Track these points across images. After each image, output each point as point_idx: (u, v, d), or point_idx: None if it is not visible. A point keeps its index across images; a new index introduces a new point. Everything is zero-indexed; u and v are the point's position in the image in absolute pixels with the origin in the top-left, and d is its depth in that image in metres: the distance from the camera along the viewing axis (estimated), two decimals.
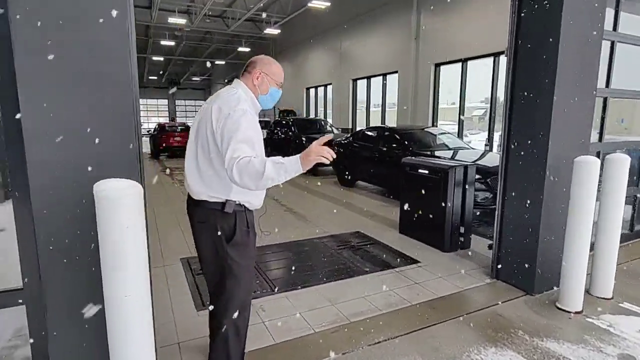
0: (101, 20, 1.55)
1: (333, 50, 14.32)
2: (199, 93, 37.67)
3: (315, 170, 10.28)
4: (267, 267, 3.78)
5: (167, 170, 11.10)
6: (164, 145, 14.50)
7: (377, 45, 11.86)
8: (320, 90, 16.10)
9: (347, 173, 8.28)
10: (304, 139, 10.22)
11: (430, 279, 3.51)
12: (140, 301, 1.45)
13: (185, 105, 38.15)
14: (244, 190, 1.78)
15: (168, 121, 24.93)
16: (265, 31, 15.47)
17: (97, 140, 1.59)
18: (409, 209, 4.66)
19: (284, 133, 11.37)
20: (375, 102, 12.98)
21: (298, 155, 1.67)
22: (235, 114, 1.71)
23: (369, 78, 12.75)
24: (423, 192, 4.44)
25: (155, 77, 32.39)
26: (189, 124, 20.04)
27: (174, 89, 34.11)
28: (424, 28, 9.97)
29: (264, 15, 14.91)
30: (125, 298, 1.41)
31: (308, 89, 16.92)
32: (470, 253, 4.16)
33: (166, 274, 3.64)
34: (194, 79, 33.23)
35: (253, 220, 1.97)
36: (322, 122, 12.07)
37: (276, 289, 3.29)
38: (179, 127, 15.33)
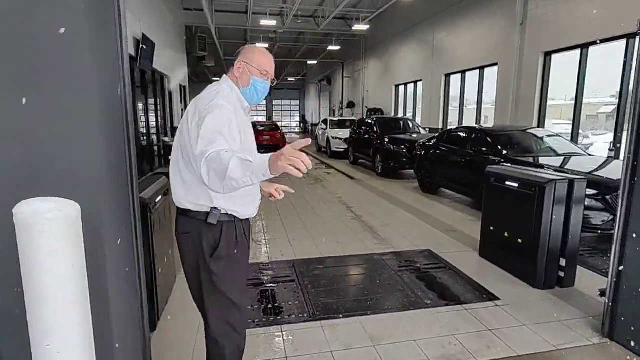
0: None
1: (424, 44, 13.29)
2: (294, 93, 39.09)
3: (395, 173, 9.57)
4: (311, 285, 3.37)
5: None
6: None
7: (473, 36, 10.57)
8: (410, 87, 15.13)
9: (428, 178, 7.45)
10: (386, 139, 9.58)
11: (510, 326, 2.73)
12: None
13: (282, 105, 39.97)
14: (227, 196, 1.54)
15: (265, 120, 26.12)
16: (354, 27, 15.08)
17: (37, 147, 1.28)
18: (492, 228, 3.81)
19: (367, 133, 10.85)
20: (470, 99, 11.64)
21: (269, 156, 1.28)
22: (209, 108, 1.50)
23: (463, 72, 11.47)
24: (512, 209, 3.57)
25: None
26: (279, 123, 20.77)
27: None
28: (532, 11, 8.48)
29: (353, 11, 14.55)
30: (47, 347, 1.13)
31: (397, 86, 16.04)
32: (572, 294, 3.20)
33: None
34: (289, 79, 34.53)
35: (246, 232, 1.74)
36: (408, 122, 11.23)
37: (313, 315, 2.87)
38: (268, 127, 15.86)
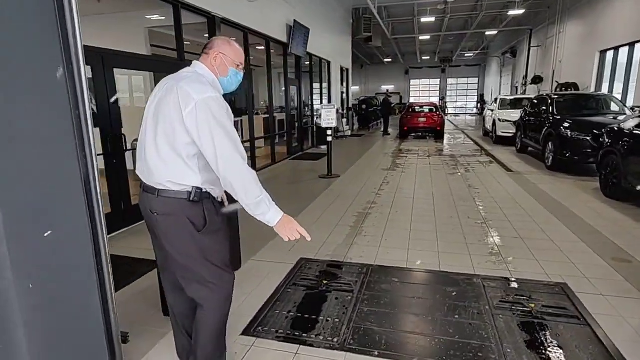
0: None
1: None
2: (473, 70, 35.13)
3: (572, 168, 7.29)
4: (368, 302, 2.75)
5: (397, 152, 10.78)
6: (407, 127, 14.29)
7: None
8: (623, 52, 11.19)
9: (615, 178, 5.32)
10: (563, 122, 7.37)
11: None
12: None
13: (457, 84, 36.61)
14: (206, 176, 1.67)
15: (434, 101, 24.36)
16: None
17: None
18: None
19: (539, 114, 8.65)
20: None
21: (283, 214, 1.75)
22: (210, 102, 1.57)
23: None
24: None
25: (428, 57, 32.51)
26: (454, 104, 18.81)
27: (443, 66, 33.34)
28: None
29: None
30: None
31: (603, 52, 12.15)
32: None
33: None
34: (466, 55, 31.17)
35: (218, 208, 1.81)
36: (605, 100, 8.36)
37: (343, 343, 2.30)
38: (427, 108, 14.66)
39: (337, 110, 14.85)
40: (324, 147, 11.91)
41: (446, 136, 15.05)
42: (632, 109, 8.29)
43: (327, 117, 7.06)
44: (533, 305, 2.67)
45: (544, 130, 8.00)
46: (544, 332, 2.38)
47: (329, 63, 13.83)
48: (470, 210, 5.00)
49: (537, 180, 6.72)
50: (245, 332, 2.44)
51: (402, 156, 9.95)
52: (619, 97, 10.75)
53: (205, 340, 1.81)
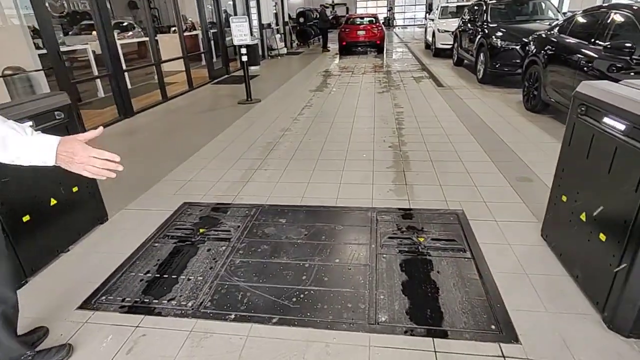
0: None
1: None
2: None
3: (503, 80, 7.07)
4: (244, 251, 2.41)
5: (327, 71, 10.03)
6: (345, 42, 13.30)
7: None
8: None
9: (535, 90, 5.14)
10: (495, 32, 6.96)
11: None
12: None
13: None
14: None
15: (374, 12, 22.80)
16: None
17: None
18: (566, 198, 2.10)
19: (474, 22, 8.14)
20: None
21: (59, 140, 1.06)
22: None
23: None
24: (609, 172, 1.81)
25: None
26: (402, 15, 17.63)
27: None
28: None
29: None
30: None
31: None
32: None
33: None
34: None
35: None
36: (541, 4, 7.92)
37: (197, 306, 1.97)
38: (366, 20, 13.58)
39: (269, 25, 13.43)
40: (255, 68, 10.90)
41: (388, 50, 14.31)
42: (564, 14, 7.97)
43: (239, 33, 6.12)
44: (422, 240, 2.46)
45: (477, 40, 7.58)
46: (425, 270, 2.17)
47: None
48: (389, 133, 4.66)
49: (465, 95, 6.47)
50: (84, 305, 2.03)
51: (335, 75, 9.27)
52: (556, 2, 10.38)
53: None
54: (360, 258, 2.31)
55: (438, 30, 11.18)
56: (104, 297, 2.08)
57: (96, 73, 7.53)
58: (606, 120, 1.76)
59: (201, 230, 2.69)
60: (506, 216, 2.68)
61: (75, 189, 2.55)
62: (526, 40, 6.08)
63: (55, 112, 2.39)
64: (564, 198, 2.11)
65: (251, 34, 12.02)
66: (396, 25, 31.65)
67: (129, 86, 8.26)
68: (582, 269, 1.96)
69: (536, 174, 3.32)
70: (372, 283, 2.09)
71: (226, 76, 9.64)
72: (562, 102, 4.48)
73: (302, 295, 2.02)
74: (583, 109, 1.95)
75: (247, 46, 9.93)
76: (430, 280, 2.09)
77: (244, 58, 6.32)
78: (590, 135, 1.87)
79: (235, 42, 6.19)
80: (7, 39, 4.80)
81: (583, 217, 1.92)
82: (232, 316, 1.90)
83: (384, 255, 2.32)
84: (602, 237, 1.76)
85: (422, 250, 2.35)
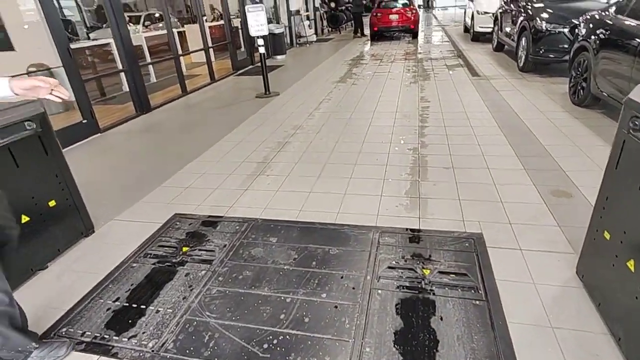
0: None
1: None
2: None
3: (548, 68, 6.30)
4: (226, 276, 2.15)
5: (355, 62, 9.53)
6: (376, 28, 12.64)
7: None
8: None
9: (584, 80, 4.46)
10: (540, 13, 6.19)
11: None
12: None
13: None
14: None
15: None
16: None
17: None
18: (609, 235, 1.65)
19: (516, 5, 7.32)
20: None
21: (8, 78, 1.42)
22: None
23: None
24: None
25: None
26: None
27: None
28: None
29: None
30: None
31: None
32: None
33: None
34: None
35: None
36: None
37: (159, 346, 1.74)
38: (400, 3, 12.81)
39: (298, 12, 13.03)
40: (281, 57, 10.61)
41: (424, 35, 13.51)
42: None
43: (255, 23, 5.82)
44: (427, 272, 2.09)
45: (519, 22, 6.80)
46: (425, 315, 1.82)
47: None
48: (409, 132, 4.23)
49: (501, 86, 5.83)
50: (42, 338, 1.86)
51: (362, 64, 8.77)
52: None
53: None
54: (350, 293, 1.98)
55: (477, 12, 10.29)
56: (64, 330, 1.91)
57: (120, 67, 7.54)
58: None
59: (184, 249, 2.47)
60: (534, 243, 2.24)
61: (52, 203, 2.40)
62: (576, 22, 5.33)
63: (26, 123, 2.22)
64: (607, 235, 1.66)
65: (278, 22, 11.71)
66: (435, 7, 30.03)
67: (154, 80, 8.27)
68: (627, 329, 1.53)
69: (578, 188, 2.81)
70: (359, 328, 1.77)
71: (250, 67, 9.42)
72: (615, 97, 3.82)
73: (275, 341, 1.74)
74: (637, 122, 1.49)
75: (272, 35, 9.56)
76: (429, 330, 1.74)
77: (261, 50, 6.02)
78: None
79: (252, 33, 5.90)
80: (31, 36, 4.77)
81: (631, 265, 1.48)
82: None
83: (379, 291, 1.98)
84: None
85: (425, 287, 1.99)
